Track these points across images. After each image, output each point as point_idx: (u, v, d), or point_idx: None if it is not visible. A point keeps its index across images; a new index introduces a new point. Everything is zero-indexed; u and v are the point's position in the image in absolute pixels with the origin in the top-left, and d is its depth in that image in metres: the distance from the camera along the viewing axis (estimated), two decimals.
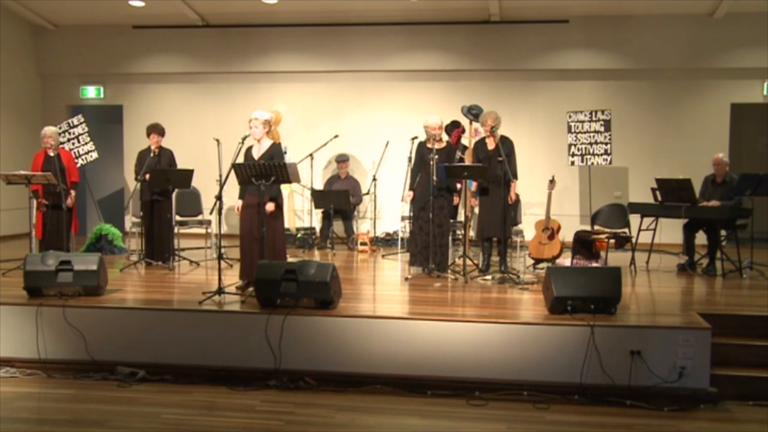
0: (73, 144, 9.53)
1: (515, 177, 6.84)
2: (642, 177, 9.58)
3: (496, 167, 6.73)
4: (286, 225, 9.95)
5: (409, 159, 8.51)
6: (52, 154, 7.49)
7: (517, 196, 7.33)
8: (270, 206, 5.91)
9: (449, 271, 6.90)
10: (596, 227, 7.86)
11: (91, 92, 11.12)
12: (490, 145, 6.93)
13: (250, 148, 6.15)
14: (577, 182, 10.16)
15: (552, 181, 7.62)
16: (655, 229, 7.58)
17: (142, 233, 7.58)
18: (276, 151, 6.15)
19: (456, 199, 7.45)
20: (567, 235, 7.65)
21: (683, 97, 10.09)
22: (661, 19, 9.86)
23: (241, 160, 6.01)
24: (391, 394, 4.84)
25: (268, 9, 10.00)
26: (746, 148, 10.76)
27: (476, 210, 7.40)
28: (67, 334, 5.27)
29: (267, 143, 6.16)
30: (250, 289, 5.72)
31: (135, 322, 5.32)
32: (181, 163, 7.81)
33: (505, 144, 6.90)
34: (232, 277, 6.34)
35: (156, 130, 7.65)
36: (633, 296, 6.05)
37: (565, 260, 7.34)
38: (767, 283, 6.74)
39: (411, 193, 7.11)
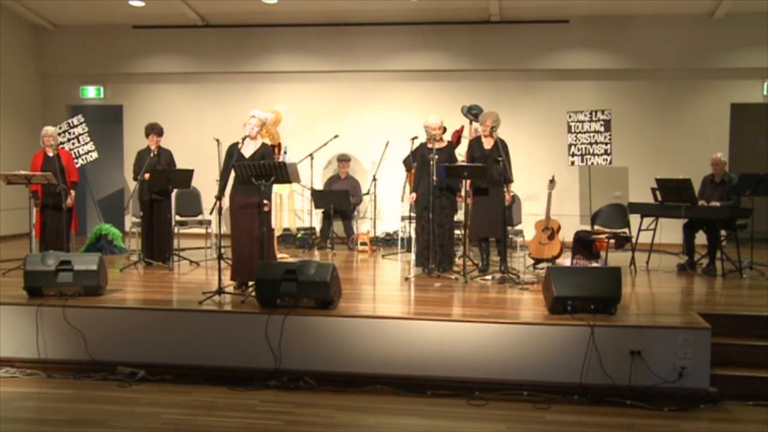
0: (73, 144, 9.52)
1: (510, 180, 6.81)
2: (642, 177, 9.56)
3: (491, 167, 6.72)
4: (286, 225, 10.02)
5: (404, 162, 8.48)
6: (51, 154, 7.49)
7: (514, 197, 7.32)
8: (268, 206, 5.91)
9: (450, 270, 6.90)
10: (596, 227, 7.86)
11: (91, 92, 11.11)
12: (487, 144, 6.92)
13: (237, 145, 6.09)
14: (577, 182, 10.15)
15: (552, 181, 7.61)
16: (655, 229, 7.58)
17: (141, 233, 7.59)
18: (267, 152, 6.14)
19: (458, 198, 7.44)
20: (567, 235, 7.65)
21: (683, 97, 10.08)
22: (661, 19, 9.85)
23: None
24: (391, 394, 4.84)
25: (268, 9, 9.99)
26: (746, 148, 10.75)
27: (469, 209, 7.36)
28: (67, 334, 5.27)
29: (258, 143, 6.17)
30: (250, 288, 5.71)
31: (135, 322, 5.32)
32: (181, 163, 7.79)
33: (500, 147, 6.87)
34: None
35: (155, 130, 7.66)
36: (633, 296, 6.05)
37: (565, 260, 7.34)
38: (767, 283, 6.74)
39: (413, 195, 7.10)
